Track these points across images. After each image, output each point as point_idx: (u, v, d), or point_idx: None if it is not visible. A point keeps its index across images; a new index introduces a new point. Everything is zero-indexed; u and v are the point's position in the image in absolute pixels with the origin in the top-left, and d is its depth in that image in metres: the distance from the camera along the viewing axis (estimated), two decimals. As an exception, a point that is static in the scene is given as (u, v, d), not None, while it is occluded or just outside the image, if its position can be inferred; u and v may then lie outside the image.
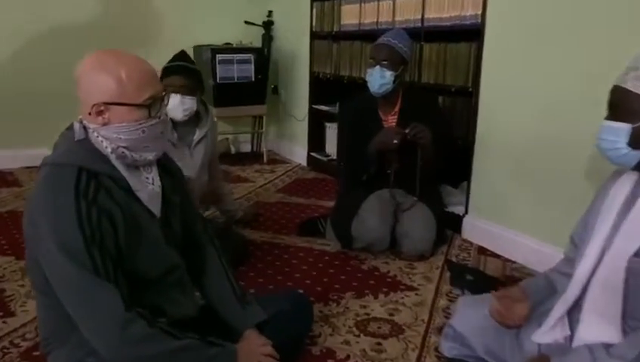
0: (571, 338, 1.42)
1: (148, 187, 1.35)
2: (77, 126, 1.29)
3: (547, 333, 1.46)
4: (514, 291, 1.53)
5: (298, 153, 4.36)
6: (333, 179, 3.79)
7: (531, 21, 2.33)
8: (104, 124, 1.26)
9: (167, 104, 1.38)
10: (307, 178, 3.93)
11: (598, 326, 1.35)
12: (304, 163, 4.26)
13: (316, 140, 4.18)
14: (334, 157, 3.96)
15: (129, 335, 1.21)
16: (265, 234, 2.76)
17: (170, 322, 1.36)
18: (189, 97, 2.31)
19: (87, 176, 1.23)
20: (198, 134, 2.43)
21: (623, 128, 1.28)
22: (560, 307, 1.45)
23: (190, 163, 2.40)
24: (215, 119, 2.60)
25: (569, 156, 2.21)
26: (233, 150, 4.61)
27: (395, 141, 2.36)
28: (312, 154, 4.18)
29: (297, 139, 4.40)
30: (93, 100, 1.24)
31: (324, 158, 4.08)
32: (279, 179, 3.89)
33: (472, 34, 2.61)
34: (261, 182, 3.76)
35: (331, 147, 4.05)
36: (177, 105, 2.29)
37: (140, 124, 1.27)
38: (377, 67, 2.44)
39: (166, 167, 1.47)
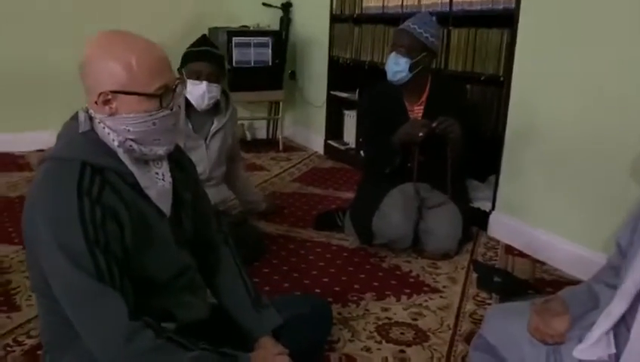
0: (617, 356, 1.29)
1: (157, 183, 1.24)
2: (82, 116, 1.18)
3: (589, 349, 1.32)
4: (553, 305, 1.40)
5: (315, 141, 4.23)
6: (351, 168, 3.67)
7: (571, 6, 2.16)
8: (111, 115, 1.14)
9: (180, 94, 1.26)
10: (324, 167, 3.80)
11: (650, 347, 1.22)
12: (321, 151, 4.13)
13: (334, 128, 4.05)
14: (353, 146, 3.84)
15: (134, 347, 1.10)
16: (280, 227, 2.65)
17: (180, 326, 1.26)
18: (214, 85, 2.21)
19: (91, 172, 1.12)
20: (215, 125, 2.32)
21: None
22: (604, 322, 1.32)
23: (205, 156, 2.29)
24: (235, 107, 2.46)
25: (610, 152, 2.06)
26: (249, 136, 4.50)
27: (421, 134, 2.21)
28: (330, 142, 4.05)
29: (314, 127, 4.27)
30: (100, 88, 1.12)
31: (342, 147, 3.94)
32: (295, 167, 3.77)
33: (504, 19, 2.45)
34: (276, 171, 3.65)
35: (350, 135, 3.92)
36: (203, 93, 2.19)
37: (151, 115, 1.15)
38: (393, 53, 2.30)
39: (178, 160, 1.36)
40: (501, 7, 2.46)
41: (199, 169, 2.19)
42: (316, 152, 4.16)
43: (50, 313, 1.24)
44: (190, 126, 2.27)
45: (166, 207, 1.25)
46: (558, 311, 1.38)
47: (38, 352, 1.61)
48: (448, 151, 2.28)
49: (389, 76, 2.35)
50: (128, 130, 1.16)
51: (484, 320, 1.62)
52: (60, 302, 1.15)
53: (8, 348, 1.64)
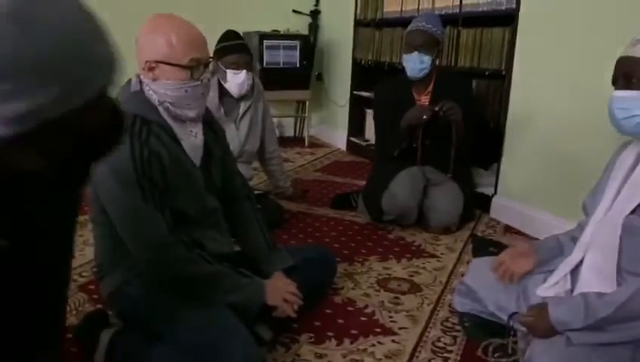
0: (571, 291, 1.52)
1: (190, 138, 1.53)
2: (134, 79, 1.49)
3: (550, 288, 1.56)
4: (522, 246, 1.63)
5: (338, 138, 4.51)
6: (370, 162, 3.91)
7: (564, 6, 2.40)
8: (154, 80, 1.44)
9: (212, 70, 1.54)
10: (345, 160, 4.08)
11: (595, 280, 1.44)
12: (344, 147, 4.41)
13: (356, 125, 4.33)
14: (372, 142, 4.09)
15: (171, 255, 1.40)
16: (300, 206, 2.93)
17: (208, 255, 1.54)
18: (250, 73, 2.52)
19: (140, 122, 1.42)
20: (243, 107, 2.62)
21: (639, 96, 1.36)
22: (564, 266, 1.56)
23: (236, 136, 2.59)
24: (260, 87, 2.74)
25: (601, 138, 2.25)
26: (277, 133, 4.79)
27: (425, 116, 2.45)
28: (352, 139, 4.33)
29: (338, 124, 4.56)
30: (147, 57, 1.42)
31: (363, 143, 4.21)
32: (318, 160, 4.06)
33: (506, 19, 2.69)
34: (301, 163, 3.94)
35: (370, 132, 4.18)
36: (242, 82, 2.49)
37: (184, 83, 1.43)
38: (415, 53, 2.53)
39: (211, 124, 1.66)
40: (503, 7, 2.71)
41: (230, 147, 2.50)
42: (339, 148, 4.44)
43: (104, 239, 1.56)
44: (222, 111, 2.58)
45: (195, 158, 1.55)
46: (526, 252, 1.61)
47: (90, 287, 1.93)
48: (452, 133, 2.51)
49: (415, 73, 2.56)
50: (166, 94, 1.45)
51: (467, 269, 1.86)
52: (111, 228, 1.45)
53: (65, 283, 1.96)
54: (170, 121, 1.48)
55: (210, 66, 1.53)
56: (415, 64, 2.55)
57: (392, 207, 2.58)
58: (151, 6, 4.03)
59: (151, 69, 1.43)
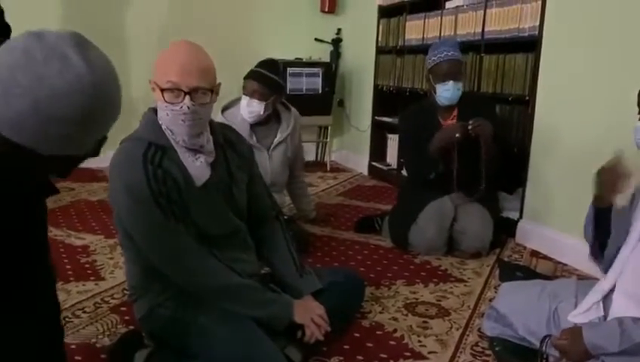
0: (605, 319, 1.50)
1: (192, 161, 1.52)
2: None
3: (582, 314, 1.55)
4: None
5: (360, 162, 4.54)
6: (392, 187, 3.93)
7: (587, 32, 2.42)
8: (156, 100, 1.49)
9: (201, 101, 1.44)
10: (368, 185, 4.10)
11: (628, 306, 1.43)
12: (365, 172, 4.44)
13: (378, 150, 4.35)
14: (394, 167, 4.12)
15: (200, 264, 1.45)
16: (324, 230, 2.95)
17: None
18: (256, 101, 2.47)
19: (155, 148, 1.47)
20: (278, 137, 2.62)
21: None
22: (596, 293, 1.55)
23: (268, 165, 2.56)
24: (298, 120, 2.75)
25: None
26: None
27: (458, 134, 2.46)
28: (374, 163, 4.36)
29: (360, 149, 4.59)
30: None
31: (385, 168, 4.24)
32: (341, 184, 4.09)
33: (529, 45, 2.72)
34: (323, 187, 3.97)
35: (392, 157, 4.21)
36: (244, 107, 2.49)
37: (166, 106, 1.44)
38: (451, 82, 2.55)
39: (235, 146, 1.69)
40: (526, 34, 2.74)
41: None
42: (361, 173, 4.47)
43: (133, 263, 1.60)
44: (255, 138, 2.57)
45: (198, 179, 1.52)
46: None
47: (122, 309, 1.96)
48: (482, 152, 2.49)
49: (450, 102, 2.60)
50: (160, 115, 1.49)
51: (497, 294, 1.86)
52: (139, 252, 1.50)
53: (97, 305, 2.00)
54: (174, 143, 1.50)
55: (196, 97, 1.43)
56: (453, 93, 2.58)
57: (420, 243, 2.58)
58: (189, 29, 4.19)
59: (153, 89, 1.48)
